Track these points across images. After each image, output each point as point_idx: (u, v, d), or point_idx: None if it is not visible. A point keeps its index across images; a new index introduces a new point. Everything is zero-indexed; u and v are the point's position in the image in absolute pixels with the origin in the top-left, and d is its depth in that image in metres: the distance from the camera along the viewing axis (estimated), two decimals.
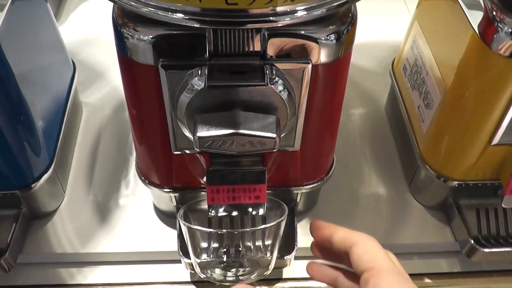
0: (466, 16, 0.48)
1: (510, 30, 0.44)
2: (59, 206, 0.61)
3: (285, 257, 0.53)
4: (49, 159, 0.57)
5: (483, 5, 0.46)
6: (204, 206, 0.56)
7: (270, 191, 0.53)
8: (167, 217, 0.59)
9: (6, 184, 0.54)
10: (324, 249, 0.45)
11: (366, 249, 0.39)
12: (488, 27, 0.46)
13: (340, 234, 0.42)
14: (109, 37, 0.84)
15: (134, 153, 0.66)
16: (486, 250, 0.56)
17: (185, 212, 0.52)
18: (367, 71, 0.78)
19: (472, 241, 0.57)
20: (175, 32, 0.38)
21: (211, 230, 0.50)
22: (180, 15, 0.35)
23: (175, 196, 0.54)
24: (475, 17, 0.47)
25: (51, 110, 0.59)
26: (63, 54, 0.65)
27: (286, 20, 0.35)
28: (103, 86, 0.75)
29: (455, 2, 0.50)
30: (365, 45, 0.80)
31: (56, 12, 0.88)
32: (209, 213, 0.49)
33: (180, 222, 0.48)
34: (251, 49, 0.39)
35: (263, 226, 0.46)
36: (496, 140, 0.51)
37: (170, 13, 0.35)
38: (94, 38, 0.83)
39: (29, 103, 0.52)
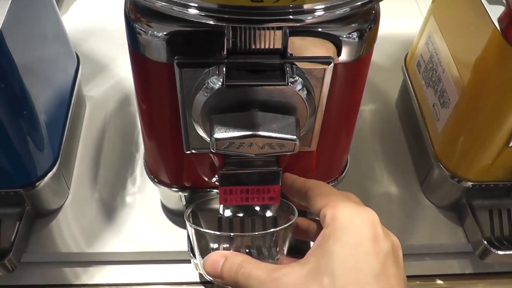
0: (487, 12, 0.46)
1: None
2: (63, 204, 0.60)
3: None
4: (54, 156, 0.55)
5: (504, 1, 0.45)
6: (214, 205, 0.55)
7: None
8: (176, 216, 0.58)
9: (10, 182, 0.53)
10: None
11: (321, 190, 0.41)
12: (510, 24, 0.44)
13: (299, 181, 0.44)
14: (112, 29, 0.83)
15: (140, 149, 0.64)
16: (500, 252, 0.55)
17: (192, 211, 0.50)
18: (377, 66, 0.76)
19: (486, 243, 0.56)
20: (191, 28, 0.36)
21: (220, 233, 0.48)
22: (197, 11, 0.33)
23: (184, 195, 0.53)
24: (496, 13, 0.46)
25: (55, 105, 0.57)
26: (66, 46, 0.63)
27: (310, 19, 0.34)
28: (107, 79, 0.74)
29: None
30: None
31: (56, 2, 0.86)
32: (221, 214, 0.48)
33: (187, 223, 0.47)
34: (271, 47, 0.37)
35: (272, 230, 0.44)
36: None
37: (186, 8, 0.33)
38: (96, 29, 0.81)
39: (32, 97, 0.50)
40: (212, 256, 0.41)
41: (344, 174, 0.53)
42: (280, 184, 0.46)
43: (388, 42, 0.79)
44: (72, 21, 0.83)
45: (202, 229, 0.45)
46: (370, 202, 0.62)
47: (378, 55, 0.78)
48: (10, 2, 0.46)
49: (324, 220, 0.38)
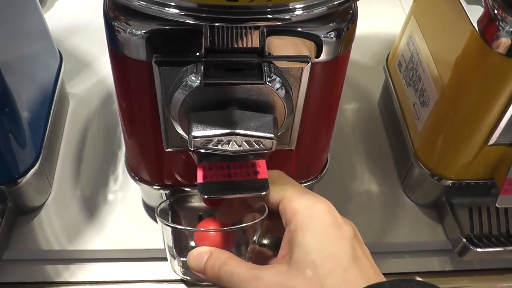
0: (466, 13, 0.47)
1: (511, 29, 0.43)
2: (45, 201, 0.59)
3: None
4: (36, 153, 0.55)
5: (483, 2, 0.45)
6: (192, 202, 0.55)
7: None
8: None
9: None
10: None
11: (278, 184, 0.41)
12: (489, 25, 0.45)
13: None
14: (96, 26, 0.82)
15: (123, 147, 0.64)
16: (479, 250, 0.56)
17: (164, 207, 0.50)
18: (359, 65, 0.77)
19: (465, 240, 0.56)
20: (170, 27, 0.37)
21: (191, 228, 0.47)
22: (175, 11, 0.33)
23: (165, 193, 0.53)
24: (475, 14, 0.46)
25: (37, 102, 0.57)
26: (49, 43, 0.62)
27: (287, 18, 0.34)
28: (90, 77, 0.73)
29: None
30: (357, 38, 0.79)
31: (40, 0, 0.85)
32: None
33: (158, 220, 0.46)
34: (249, 46, 0.37)
35: (239, 226, 0.43)
36: (492, 140, 0.50)
37: (164, 8, 0.33)
38: (80, 26, 0.81)
39: (14, 94, 0.50)
40: (197, 250, 0.41)
41: (324, 172, 0.54)
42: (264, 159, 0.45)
43: (371, 41, 0.80)
44: (56, 18, 0.82)
45: (170, 224, 0.45)
46: (351, 200, 0.62)
47: (361, 54, 0.78)
48: None
49: (286, 215, 0.38)
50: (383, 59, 0.69)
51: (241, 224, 0.44)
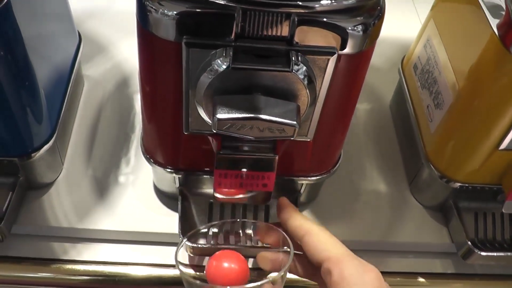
0: (486, 17, 0.48)
1: None
2: (56, 178, 0.60)
3: None
4: (51, 129, 0.56)
5: (504, 7, 0.46)
6: (206, 190, 0.56)
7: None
8: (167, 198, 0.59)
9: (6, 150, 0.53)
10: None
11: (319, 239, 0.41)
12: (509, 30, 0.45)
13: (296, 221, 0.44)
14: (114, 11, 0.82)
15: (136, 131, 0.65)
16: (483, 253, 0.56)
17: (185, 244, 0.48)
18: (373, 67, 0.77)
19: (470, 243, 0.57)
20: (202, 9, 0.37)
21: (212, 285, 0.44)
22: None
23: (178, 177, 0.54)
24: (496, 19, 0.47)
25: (55, 80, 0.58)
26: (69, 24, 0.63)
27: (317, 7, 0.35)
28: (106, 60, 0.74)
29: (475, 2, 0.49)
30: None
31: None
32: (214, 199, 0.49)
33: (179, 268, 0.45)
34: (278, 34, 0.38)
35: (262, 282, 0.40)
36: (504, 145, 0.51)
37: None
38: (99, 10, 0.81)
39: (35, 70, 0.50)
40: None
41: (336, 167, 0.54)
42: (275, 172, 0.47)
43: (385, 45, 0.80)
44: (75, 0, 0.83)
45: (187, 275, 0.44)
46: (359, 198, 0.63)
47: (375, 57, 0.79)
48: None
49: (330, 277, 0.39)
50: (397, 62, 0.70)
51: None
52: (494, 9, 0.48)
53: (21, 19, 0.46)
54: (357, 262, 0.39)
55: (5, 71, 0.46)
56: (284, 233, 0.45)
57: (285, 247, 0.44)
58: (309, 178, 0.54)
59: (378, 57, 0.79)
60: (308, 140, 0.47)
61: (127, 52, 0.75)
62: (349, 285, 0.38)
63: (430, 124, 0.58)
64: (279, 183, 0.52)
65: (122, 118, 0.67)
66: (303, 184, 0.55)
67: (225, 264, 0.44)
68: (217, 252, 0.46)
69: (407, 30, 0.75)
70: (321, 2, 0.37)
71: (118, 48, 0.76)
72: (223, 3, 0.34)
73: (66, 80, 0.61)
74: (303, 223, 0.43)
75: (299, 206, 0.57)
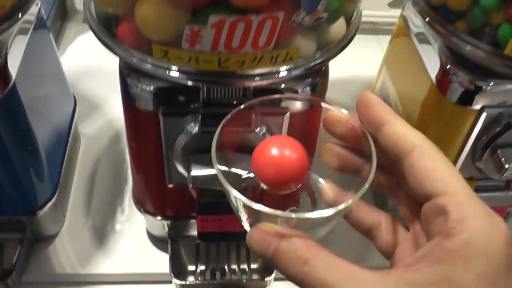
0: (426, 67, 0.55)
1: (461, 81, 0.51)
2: (60, 230, 0.66)
3: (265, 279, 0.59)
4: (53, 187, 0.62)
5: (439, 59, 0.53)
6: (193, 232, 0.62)
7: None
8: (159, 242, 0.65)
9: (14, 209, 0.59)
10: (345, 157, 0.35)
11: (434, 163, 0.29)
12: (444, 78, 0.53)
13: (397, 129, 0.31)
14: (106, 70, 0.90)
15: (129, 182, 0.72)
16: None
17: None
18: (342, 106, 0.84)
19: None
20: (174, 85, 0.44)
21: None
22: (177, 74, 0.41)
23: (167, 223, 0.60)
24: (433, 69, 0.54)
25: (54, 141, 0.64)
26: (64, 86, 0.70)
27: (271, 80, 0.42)
28: (100, 117, 0.81)
29: (416, 55, 0.57)
30: (339, 80, 0.87)
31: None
32: (199, 240, 0.55)
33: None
34: (239, 100, 0.45)
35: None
36: None
37: (169, 72, 0.41)
38: (91, 70, 0.89)
39: (36, 133, 0.57)
40: (259, 231, 0.30)
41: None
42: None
43: (353, 83, 0.88)
44: (69, 62, 0.90)
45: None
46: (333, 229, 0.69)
47: (343, 95, 0.86)
48: (22, 53, 0.53)
49: (439, 220, 0.28)
50: None
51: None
52: (431, 60, 0.55)
53: (23, 91, 0.52)
54: (483, 212, 0.27)
55: (10, 139, 0.53)
56: (367, 132, 0.32)
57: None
58: None
59: (346, 95, 0.86)
60: None
61: (119, 109, 0.81)
62: (470, 247, 0.26)
63: None
64: None
65: (116, 171, 0.74)
66: None
67: (274, 151, 0.33)
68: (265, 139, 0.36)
69: (373, 68, 0.82)
70: (274, 75, 0.43)
71: (111, 105, 0.83)
72: (190, 84, 0.41)
73: (65, 140, 0.68)
74: (411, 133, 0.31)
75: None
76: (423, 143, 0.30)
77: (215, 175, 0.45)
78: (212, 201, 0.53)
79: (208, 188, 0.48)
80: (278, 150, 0.33)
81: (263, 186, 0.34)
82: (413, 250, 0.30)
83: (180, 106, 0.46)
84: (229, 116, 0.35)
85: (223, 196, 0.53)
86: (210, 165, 0.45)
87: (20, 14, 0.48)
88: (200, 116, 0.45)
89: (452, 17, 0.50)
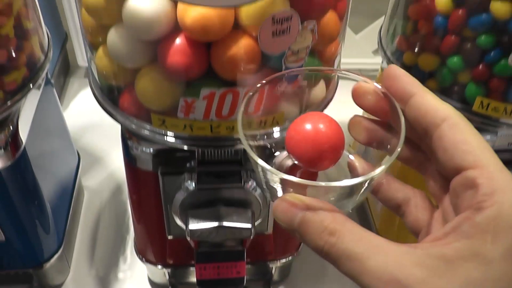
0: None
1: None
2: (65, 280, 0.70)
3: None
4: (59, 240, 0.66)
5: None
6: (192, 279, 0.65)
7: (249, 266, 0.62)
8: None
9: (22, 263, 0.63)
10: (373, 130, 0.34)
11: (465, 136, 0.28)
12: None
13: (426, 101, 0.30)
14: (107, 125, 0.94)
15: (131, 232, 0.76)
16: None
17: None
18: None
19: None
20: (171, 148, 0.49)
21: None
22: (173, 139, 0.45)
23: (168, 271, 0.64)
24: None
25: (59, 195, 0.68)
26: (68, 141, 0.74)
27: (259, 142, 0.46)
28: (102, 170, 0.85)
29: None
30: None
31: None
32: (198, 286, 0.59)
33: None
34: (231, 159, 0.50)
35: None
36: None
37: (165, 137, 0.46)
38: (93, 124, 0.93)
39: (42, 189, 0.60)
40: (285, 201, 0.29)
41: (300, 248, 0.65)
42: (245, 262, 0.57)
43: (344, 127, 0.93)
44: (72, 116, 0.95)
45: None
46: (328, 271, 0.72)
47: None
48: (32, 117, 0.57)
49: (476, 195, 0.26)
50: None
51: None
52: None
53: (31, 150, 0.55)
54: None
55: (18, 196, 0.57)
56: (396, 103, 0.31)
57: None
58: (277, 261, 0.64)
59: None
60: (269, 233, 0.58)
61: (120, 161, 0.86)
62: (502, 220, 0.25)
63: (377, 205, 0.69)
64: (252, 268, 0.62)
65: (118, 222, 0.77)
66: (273, 267, 0.65)
67: (312, 128, 0.32)
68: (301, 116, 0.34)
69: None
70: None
71: (112, 158, 0.87)
72: (185, 148, 0.45)
73: (70, 194, 0.72)
74: (442, 105, 0.29)
75: (272, 285, 0.67)
76: (454, 115, 0.29)
77: (211, 229, 0.49)
78: (210, 250, 0.57)
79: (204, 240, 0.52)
80: (316, 127, 0.32)
81: (297, 163, 0.33)
82: (442, 227, 0.29)
83: (177, 166, 0.50)
84: (250, 93, 0.34)
85: (220, 245, 0.58)
86: (206, 219, 0.50)
87: (31, 84, 0.53)
88: (196, 175, 0.49)
89: (424, 76, 0.55)
